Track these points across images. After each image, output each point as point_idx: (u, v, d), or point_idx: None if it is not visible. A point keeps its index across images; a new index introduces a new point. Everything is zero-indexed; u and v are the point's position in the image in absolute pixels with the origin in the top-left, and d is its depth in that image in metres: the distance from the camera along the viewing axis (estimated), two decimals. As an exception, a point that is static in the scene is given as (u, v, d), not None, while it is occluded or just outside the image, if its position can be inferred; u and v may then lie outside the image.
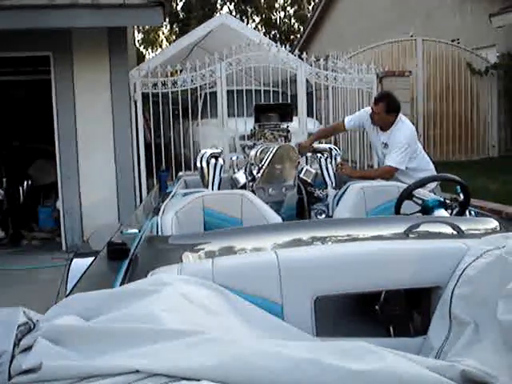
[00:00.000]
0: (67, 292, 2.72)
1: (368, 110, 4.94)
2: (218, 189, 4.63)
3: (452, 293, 1.81)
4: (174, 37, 25.34)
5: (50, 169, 7.59)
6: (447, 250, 1.94)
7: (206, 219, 3.27)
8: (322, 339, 1.80)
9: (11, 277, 6.12)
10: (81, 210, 6.89)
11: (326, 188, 4.55)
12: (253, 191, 4.27)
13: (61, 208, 7.05)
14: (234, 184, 4.55)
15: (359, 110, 8.05)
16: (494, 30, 10.64)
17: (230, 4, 25.45)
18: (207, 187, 4.68)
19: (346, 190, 3.54)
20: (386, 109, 4.61)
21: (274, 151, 4.20)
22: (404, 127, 4.71)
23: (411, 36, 11.59)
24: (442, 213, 2.64)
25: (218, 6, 25.35)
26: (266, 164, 4.21)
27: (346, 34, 15.81)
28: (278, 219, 3.13)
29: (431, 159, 5.13)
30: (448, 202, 2.70)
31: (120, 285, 2.17)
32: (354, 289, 1.86)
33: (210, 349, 1.27)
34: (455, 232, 2.25)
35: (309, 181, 4.42)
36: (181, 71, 7.53)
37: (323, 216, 4.26)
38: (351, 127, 5.43)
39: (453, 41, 11.26)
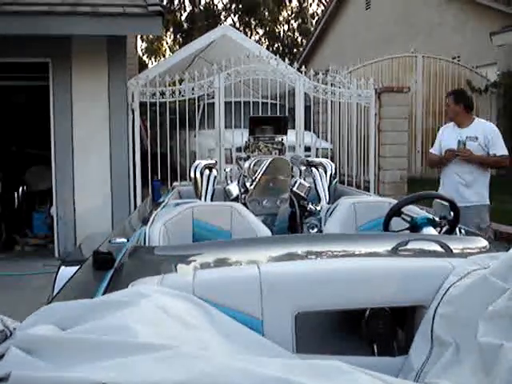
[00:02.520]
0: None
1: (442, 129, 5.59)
2: (211, 200, 4.62)
3: (434, 312, 1.79)
4: (177, 47, 25.44)
5: (46, 175, 7.57)
6: (432, 269, 1.92)
7: (195, 230, 3.25)
8: (301, 356, 1.77)
9: (2, 282, 6.08)
10: (75, 217, 6.87)
11: (320, 202, 4.53)
12: (245, 203, 4.26)
13: (54, 214, 7.02)
14: (226, 196, 4.54)
15: (357, 124, 8.17)
16: (494, 49, 10.67)
17: (234, 16, 25.59)
18: (200, 198, 4.67)
19: (337, 205, 3.52)
20: (464, 105, 5.18)
21: (267, 164, 4.19)
22: (482, 119, 5.63)
23: (412, 52, 11.63)
24: (430, 231, 2.62)
25: (222, 18, 25.48)
26: (259, 176, 4.20)
27: (347, 49, 15.88)
28: (267, 232, 3.11)
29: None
30: (437, 220, 2.68)
31: (102, 295, 2.14)
32: (337, 306, 1.84)
33: (179, 364, 1.25)
34: (443, 250, 2.23)
35: (302, 194, 4.39)
36: (180, 81, 7.54)
37: (315, 230, 4.23)
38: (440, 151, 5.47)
39: (453, 58, 11.29)
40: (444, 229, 2.72)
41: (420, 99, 10.62)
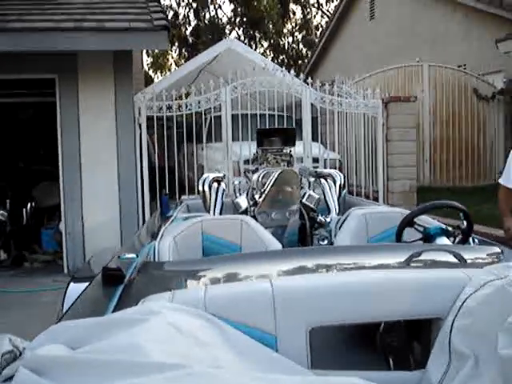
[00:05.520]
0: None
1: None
2: (220, 213, 4.59)
3: (452, 325, 1.75)
4: (182, 61, 25.57)
5: (54, 191, 7.57)
6: (448, 280, 1.89)
7: (205, 244, 3.22)
8: (317, 372, 1.74)
9: (12, 299, 6.06)
10: (83, 232, 6.85)
11: (329, 214, 4.49)
12: (254, 216, 4.23)
13: (63, 230, 7.01)
14: (235, 208, 4.51)
15: (364, 134, 8.13)
16: (500, 56, 10.64)
17: (239, 29, 25.71)
18: (209, 211, 4.64)
19: (348, 216, 3.48)
20: None
21: (276, 176, 4.16)
22: None
23: (418, 62, 11.61)
24: (443, 241, 2.58)
25: (227, 31, 25.62)
26: (268, 188, 4.17)
27: (352, 60, 15.89)
28: (277, 245, 3.08)
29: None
30: (450, 229, 2.64)
31: (113, 312, 2.11)
32: (351, 320, 1.80)
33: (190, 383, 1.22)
34: (457, 261, 2.19)
35: (311, 206, 4.36)
36: (186, 95, 7.54)
37: (325, 242, 4.19)
38: None
39: (459, 66, 11.26)
40: (457, 238, 2.68)
41: (427, 108, 10.59)
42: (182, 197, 6.23)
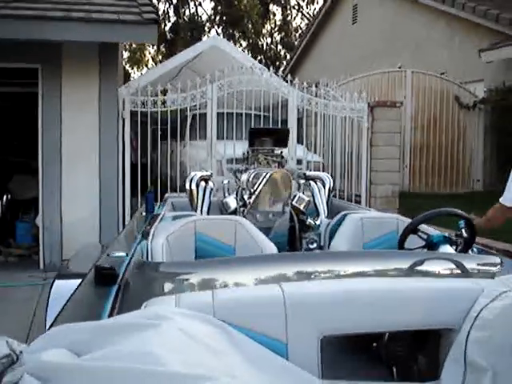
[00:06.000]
0: (49, 319, 2.54)
1: None
2: (208, 213, 4.51)
3: (467, 336, 1.71)
4: (160, 57, 25.46)
5: (32, 184, 7.39)
6: (461, 290, 1.85)
7: (198, 245, 3.13)
8: (328, 382, 1.68)
9: (-15, 294, 5.89)
10: (61, 227, 6.67)
11: (318, 217, 4.44)
12: (244, 216, 4.16)
13: (40, 224, 6.83)
14: (224, 208, 4.43)
15: (349, 138, 8.08)
16: (481, 65, 10.74)
17: (218, 27, 25.64)
18: (196, 210, 4.56)
19: (343, 220, 3.42)
20: None
21: (267, 177, 4.10)
22: None
23: (399, 68, 11.65)
24: (447, 249, 2.55)
25: (206, 29, 25.51)
26: (259, 189, 4.10)
27: (332, 63, 15.88)
28: (273, 248, 3.01)
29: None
30: (453, 238, 2.61)
31: (109, 314, 2.02)
32: (363, 328, 1.75)
33: None
34: (460, 270, 2.16)
35: (301, 208, 4.30)
36: (164, 92, 7.38)
37: (314, 245, 4.14)
38: None
39: (442, 74, 11.33)
40: (459, 247, 2.65)
41: (409, 114, 10.63)
42: (166, 194, 6.11)
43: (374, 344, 1.84)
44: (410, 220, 3.38)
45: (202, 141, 7.68)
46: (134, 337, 1.47)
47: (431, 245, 2.58)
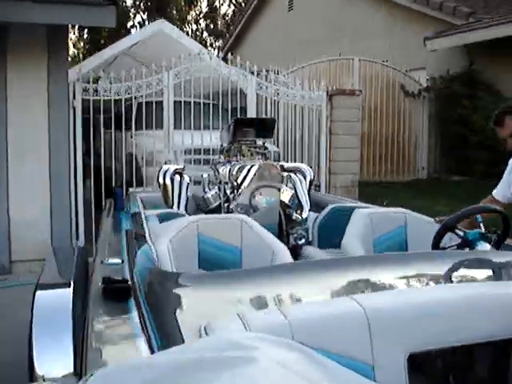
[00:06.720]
0: (37, 337, 2.19)
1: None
2: (186, 209, 4.24)
3: None
4: (81, 43, 24.70)
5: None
6: None
7: (201, 247, 2.86)
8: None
9: None
10: (9, 227, 6.15)
11: (302, 210, 4.25)
12: (228, 212, 3.93)
13: (-15, 224, 6.30)
14: (205, 204, 4.16)
15: (308, 127, 7.88)
16: (423, 53, 10.83)
17: (144, 14, 25.07)
18: (171, 207, 4.28)
19: (352, 216, 3.23)
20: None
21: (255, 170, 3.87)
22: None
23: (339, 55, 11.60)
24: (484, 246, 2.41)
25: (131, 15, 24.87)
26: (246, 183, 3.86)
27: (268, 51, 15.51)
28: (284, 248, 2.78)
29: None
30: (488, 234, 2.48)
31: (147, 338, 1.73)
32: (451, 343, 1.56)
33: None
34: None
35: (287, 202, 4.09)
36: (96, 80, 6.87)
37: (303, 241, 3.96)
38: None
39: (383, 61, 11.36)
40: (492, 242, 2.51)
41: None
42: (130, 189, 5.74)
43: (466, 357, 1.66)
44: (418, 215, 3.25)
45: (151, 130, 7.26)
46: (227, 375, 1.21)
47: (467, 242, 2.44)
